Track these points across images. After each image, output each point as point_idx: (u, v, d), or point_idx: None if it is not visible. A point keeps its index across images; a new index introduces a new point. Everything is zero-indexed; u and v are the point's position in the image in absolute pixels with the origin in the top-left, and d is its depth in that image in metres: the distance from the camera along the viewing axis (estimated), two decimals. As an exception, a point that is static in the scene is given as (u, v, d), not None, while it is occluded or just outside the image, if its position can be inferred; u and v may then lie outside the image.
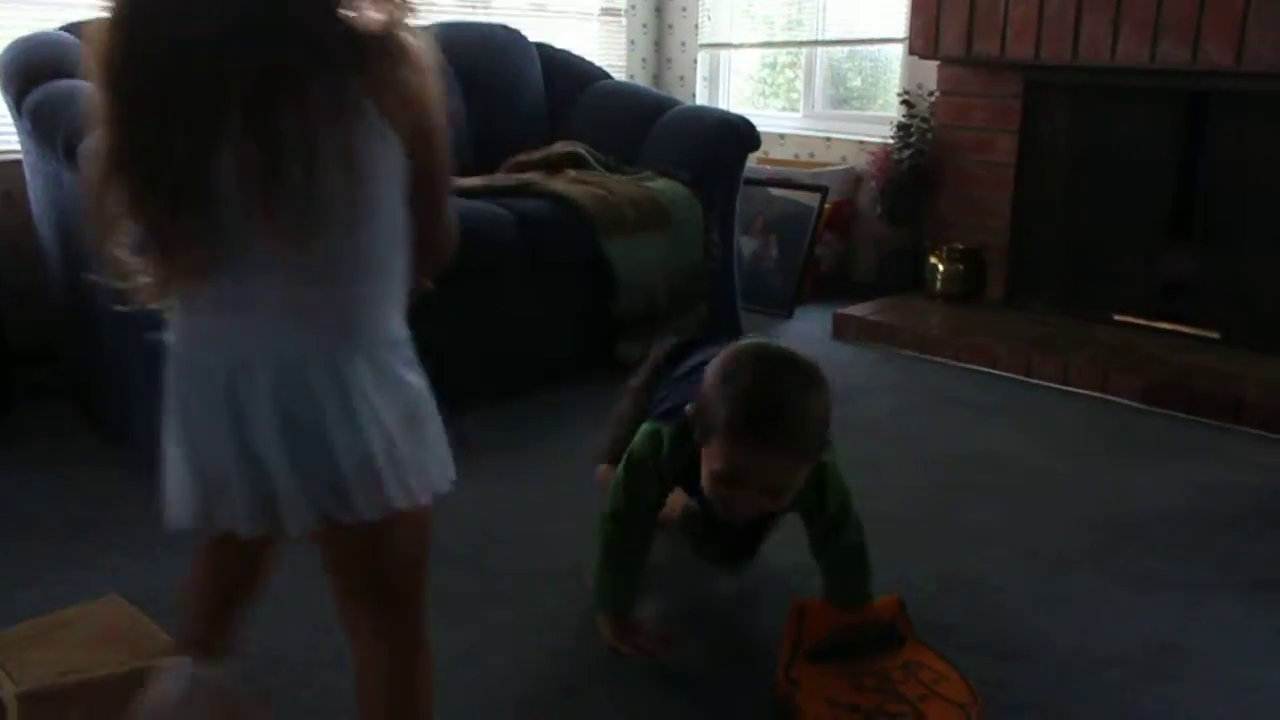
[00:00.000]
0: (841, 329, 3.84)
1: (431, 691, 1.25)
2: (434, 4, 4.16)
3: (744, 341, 1.72)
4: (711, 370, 1.66)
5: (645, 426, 1.82)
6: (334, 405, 1.05)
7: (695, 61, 4.99)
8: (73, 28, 2.93)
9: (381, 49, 1.01)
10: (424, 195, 1.11)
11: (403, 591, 1.21)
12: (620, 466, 1.83)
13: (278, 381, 1.04)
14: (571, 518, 2.31)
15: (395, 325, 1.12)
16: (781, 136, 4.65)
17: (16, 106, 2.67)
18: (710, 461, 1.66)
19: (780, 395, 1.60)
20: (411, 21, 1.06)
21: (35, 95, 2.60)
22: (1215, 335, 3.51)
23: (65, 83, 2.63)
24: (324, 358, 1.05)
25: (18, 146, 2.85)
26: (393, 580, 1.20)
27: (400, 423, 1.09)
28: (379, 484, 1.08)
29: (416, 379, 1.13)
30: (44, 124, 2.52)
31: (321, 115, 0.97)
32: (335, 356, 1.05)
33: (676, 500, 1.93)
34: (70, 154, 2.41)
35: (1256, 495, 2.57)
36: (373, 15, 1.01)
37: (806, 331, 3.91)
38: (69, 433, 2.77)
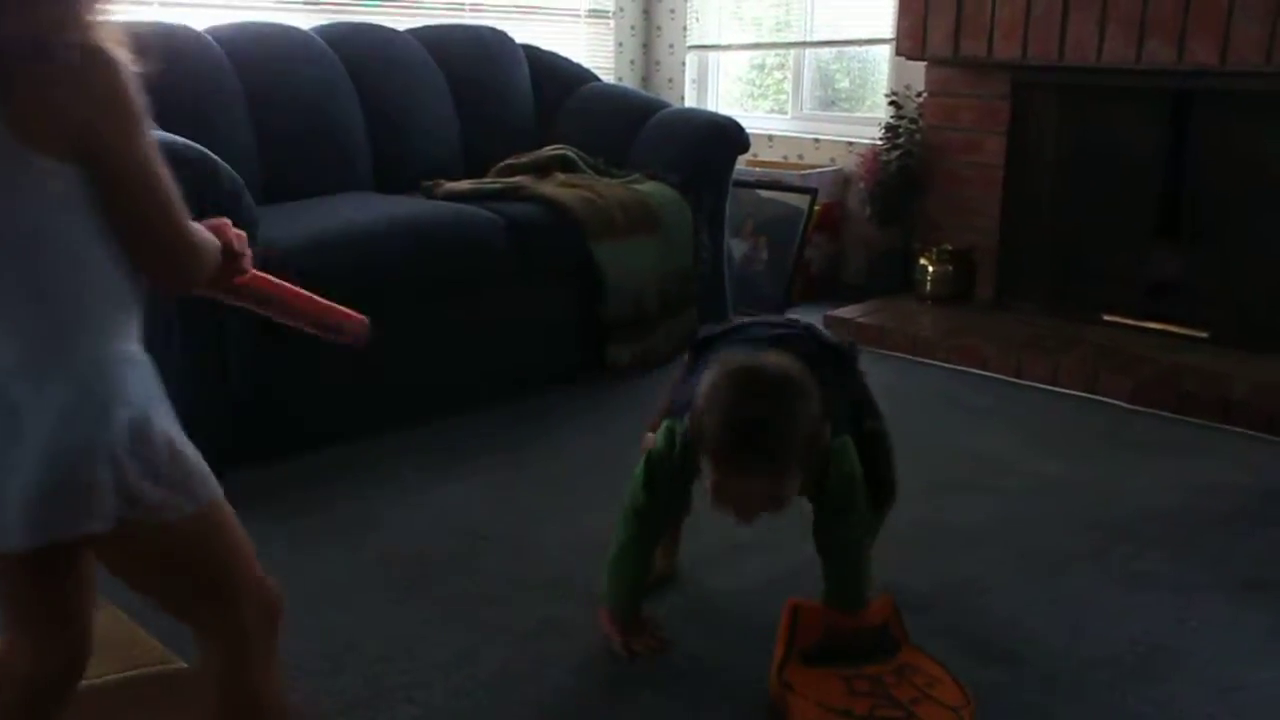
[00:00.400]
0: (832, 331, 3.84)
1: (270, 686, 1.25)
2: (421, 6, 4.16)
3: (730, 356, 1.72)
4: (701, 386, 1.67)
5: (665, 423, 1.81)
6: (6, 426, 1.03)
7: (683, 63, 4.99)
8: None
9: (20, 71, 0.95)
10: (121, 220, 1.04)
11: (197, 593, 1.21)
12: (640, 463, 1.83)
13: None
14: (563, 522, 2.32)
15: (99, 346, 1.07)
16: (770, 138, 4.65)
17: None
18: (706, 473, 1.67)
19: (756, 421, 1.60)
20: (87, 28, 0.98)
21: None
22: (1203, 334, 3.52)
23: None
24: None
25: None
26: (180, 584, 1.20)
27: (121, 439, 1.05)
28: (81, 499, 1.04)
29: (137, 398, 1.08)
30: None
31: None
32: (11, 382, 1.03)
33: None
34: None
35: (1245, 494, 2.58)
36: (9, 32, 0.92)
37: (796, 333, 3.90)
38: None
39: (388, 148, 3.45)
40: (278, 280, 1.42)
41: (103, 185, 1.02)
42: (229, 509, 1.21)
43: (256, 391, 2.54)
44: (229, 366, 2.47)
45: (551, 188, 3.27)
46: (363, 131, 3.41)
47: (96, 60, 0.98)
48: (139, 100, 1.03)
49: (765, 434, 1.60)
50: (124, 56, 1.02)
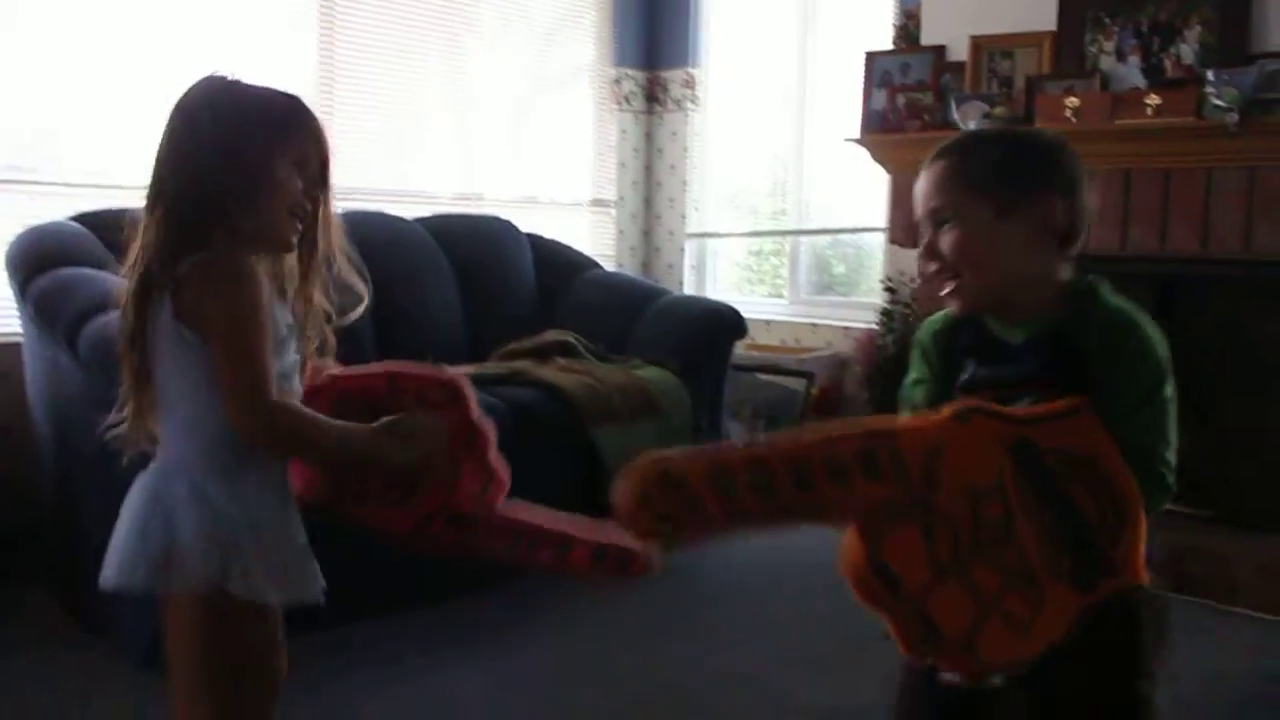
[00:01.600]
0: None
1: None
2: (433, 197, 4.31)
3: None
4: None
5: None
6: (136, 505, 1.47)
7: (683, 250, 5.14)
8: (82, 218, 3.03)
9: (184, 277, 1.41)
10: (219, 380, 1.42)
11: (177, 679, 1.50)
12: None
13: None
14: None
15: (197, 465, 1.45)
16: (768, 323, 4.74)
17: (21, 292, 2.73)
18: None
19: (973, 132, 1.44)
20: (207, 261, 1.42)
21: (40, 282, 2.67)
22: (1208, 514, 3.51)
23: (70, 270, 2.70)
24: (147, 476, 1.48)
25: (18, 329, 2.91)
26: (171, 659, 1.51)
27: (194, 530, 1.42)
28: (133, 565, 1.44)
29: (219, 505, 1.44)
30: (47, 310, 2.58)
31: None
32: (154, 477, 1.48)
33: None
34: (71, 340, 2.46)
35: (1256, 680, 2.54)
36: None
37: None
38: (49, 622, 2.72)
39: (393, 332, 3.52)
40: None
41: (213, 356, 1.42)
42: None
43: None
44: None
45: (552, 373, 3.32)
46: (368, 317, 3.46)
47: (213, 271, 1.42)
48: (243, 288, 1.42)
49: (976, 135, 1.45)
50: (240, 261, 1.44)
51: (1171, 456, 1.33)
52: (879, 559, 1.12)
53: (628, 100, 5.10)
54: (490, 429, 1.65)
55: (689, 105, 5.07)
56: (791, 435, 1.14)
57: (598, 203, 5.02)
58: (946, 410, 1.19)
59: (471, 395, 1.61)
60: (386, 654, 2.54)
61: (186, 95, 1.47)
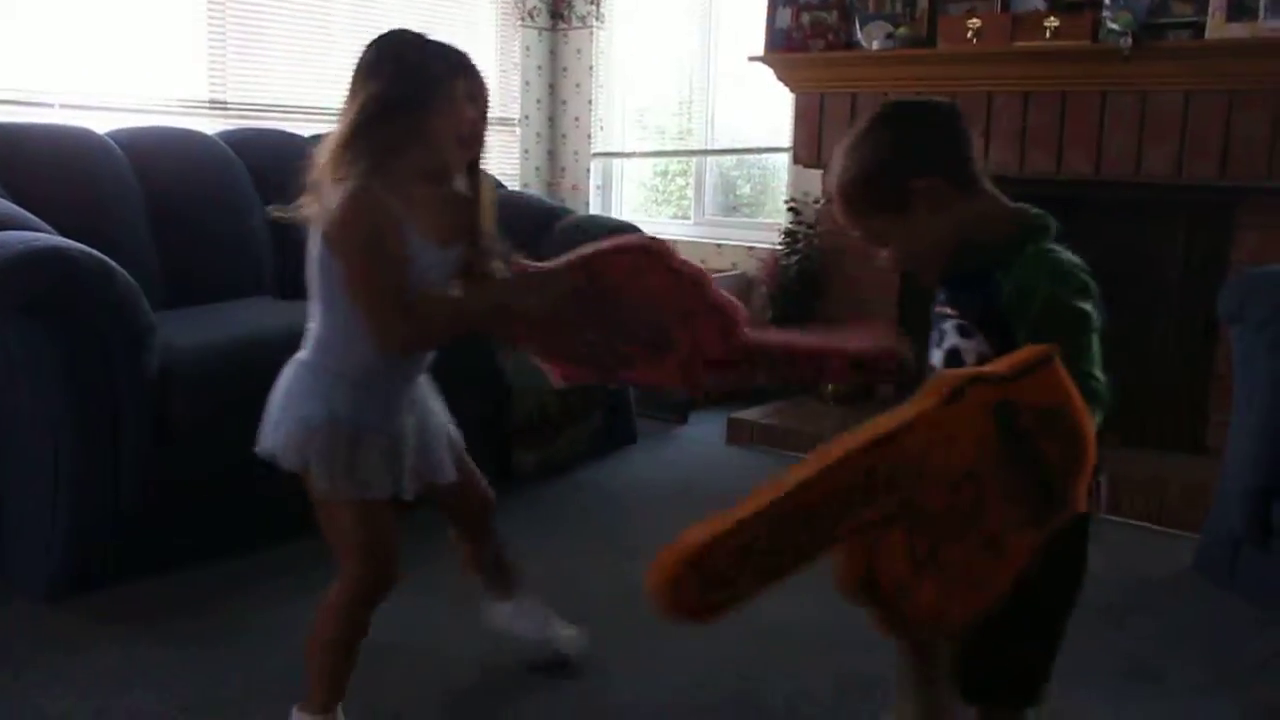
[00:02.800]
0: (735, 434, 3.89)
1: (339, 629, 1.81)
2: (333, 111, 4.18)
3: None
4: None
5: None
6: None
7: (588, 170, 5.09)
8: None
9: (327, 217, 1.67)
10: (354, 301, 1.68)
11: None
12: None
13: None
14: (471, 636, 2.28)
15: (320, 367, 1.75)
16: (674, 243, 4.73)
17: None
18: None
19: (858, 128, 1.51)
20: (343, 194, 1.65)
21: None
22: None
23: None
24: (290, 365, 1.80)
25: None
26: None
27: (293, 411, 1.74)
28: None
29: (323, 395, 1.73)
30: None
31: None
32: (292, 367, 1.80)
33: None
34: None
35: (1123, 584, 2.65)
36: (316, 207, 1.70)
37: (701, 436, 3.94)
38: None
39: (291, 254, 3.42)
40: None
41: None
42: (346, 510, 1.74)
43: (149, 501, 2.47)
44: (121, 474, 2.40)
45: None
46: (265, 237, 3.40)
47: (346, 197, 1.65)
48: (365, 220, 1.64)
49: (853, 136, 1.50)
50: (371, 192, 1.65)
51: (1096, 370, 1.37)
52: (870, 575, 1.15)
53: (531, 16, 4.99)
54: (698, 272, 1.78)
55: (594, 22, 4.99)
56: (798, 478, 1.13)
57: (501, 121, 4.94)
58: (941, 388, 1.20)
59: (667, 249, 1.79)
60: (291, 581, 2.53)
61: (377, 38, 1.73)
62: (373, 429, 1.73)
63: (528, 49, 5.01)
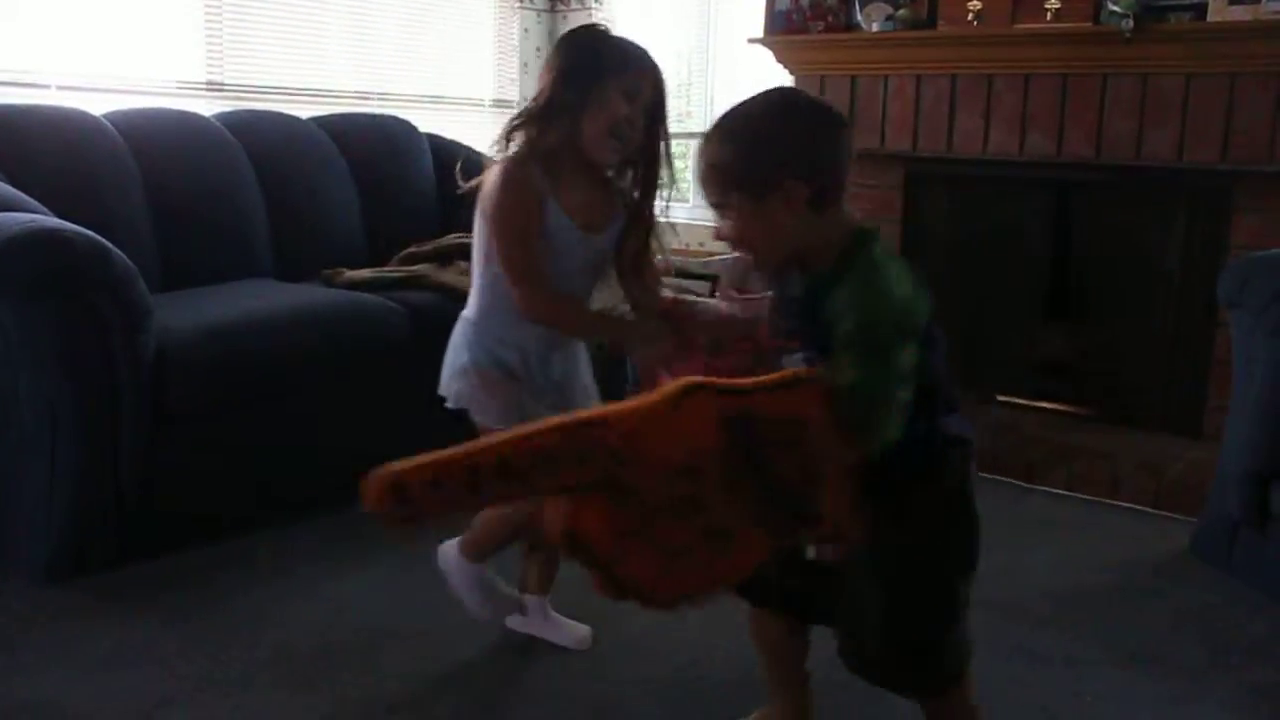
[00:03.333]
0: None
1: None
2: (330, 96, 4.17)
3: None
4: None
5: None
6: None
7: (587, 152, 5.06)
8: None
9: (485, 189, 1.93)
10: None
11: None
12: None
13: None
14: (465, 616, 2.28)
15: (475, 320, 1.98)
16: (672, 226, 4.72)
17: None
18: None
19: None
20: (498, 170, 1.90)
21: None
22: (1090, 412, 3.65)
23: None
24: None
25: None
26: None
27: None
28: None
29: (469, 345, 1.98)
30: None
31: None
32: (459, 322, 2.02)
33: None
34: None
35: (1131, 569, 2.66)
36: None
37: (701, 417, 3.94)
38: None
39: (289, 235, 3.43)
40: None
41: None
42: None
43: (147, 483, 2.47)
44: (119, 457, 2.40)
45: (453, 276, 3.27)
46: (263, 219, 3.39)
47: (500, 173, 1.89)
48: (510, 195, 1.87)
49: (715, 130, 1.52)
50: (520, 169, 1.88)
51: (892, 394, 1.38)
52: (568, 528, 1.25)
53: (530, -3, 4.97)
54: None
55: (592, 3, 4.96)
56: (513, 435, 1.25)
57: (499, 103, 4.92)
58: (670, 390, 1.29)
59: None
60: (287, 564, 2.53)
61: (565, 33, 1.97)
62: (510, 376, 1.93)
63: (526, 31, 4.99)
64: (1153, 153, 3.29)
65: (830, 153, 1.49)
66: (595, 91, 1.83)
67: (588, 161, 1.89)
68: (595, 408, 1.33)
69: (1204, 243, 3.43)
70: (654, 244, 2.04)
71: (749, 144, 1.48)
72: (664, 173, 1.99)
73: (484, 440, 1.26)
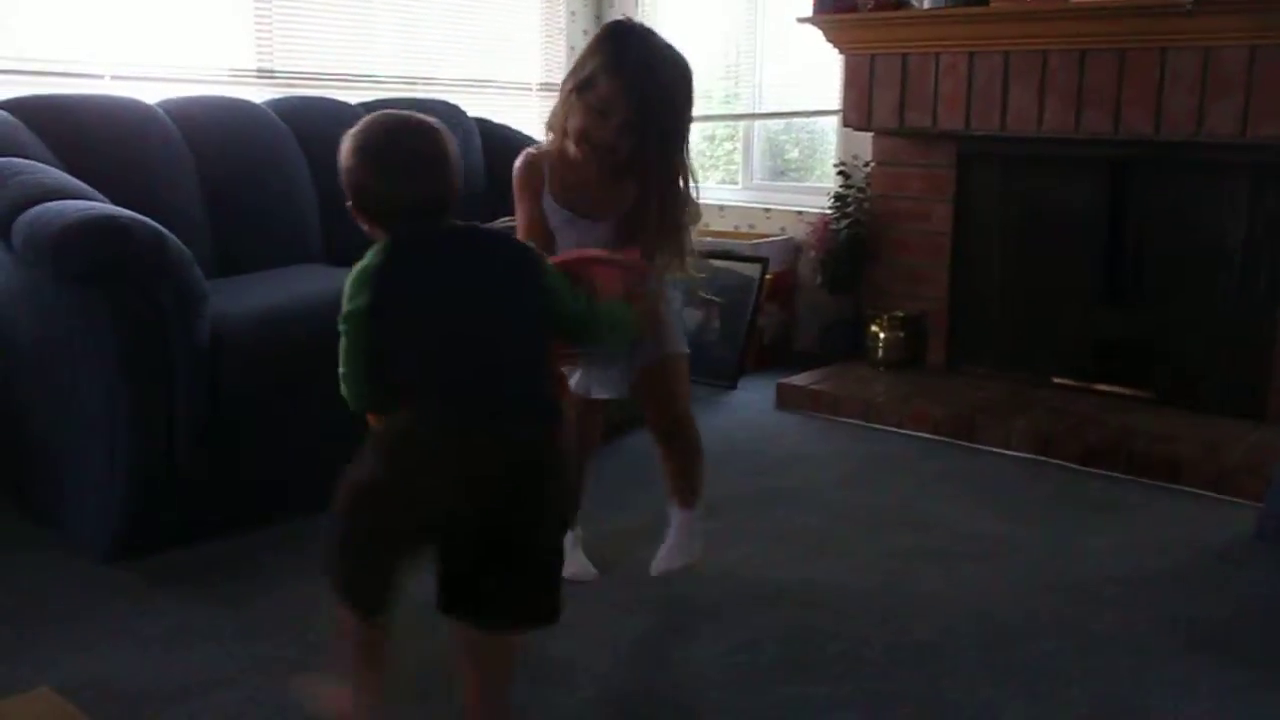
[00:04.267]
0: (785, 399, 3.86)
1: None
2: (378, 81, 4.19)
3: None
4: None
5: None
6: None
7: (635, 136, 5.04)
8: (10, 105, 2.91)
9: None
10: None
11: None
12: None
13: None
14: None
15: None
16: (721, 208, 4.71)
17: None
18: None
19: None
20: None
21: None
22: (1149, 395, 3.58)
23: (0, 161, 2.60)
24: None
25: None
26: None
27: None
28: None
29: None
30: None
31: None
32: None
33: None
34: (5, 233, 2.38)
35: (1195, 553, 2.61)
36: None
37: (751, 402, 3.92)
38: (2, 524, 2.69)
39: (339, 221, 3.41)
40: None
41: None
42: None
43: (202, 467, 2.49)
44: (176, 441, 2.43)
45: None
46: (314, 204, 3.41)
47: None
48: (518, 175, 2.18)
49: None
50: (531, 157, 2.18)
51: (341, 369, 1.69)
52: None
53: (576, -20, 4.95)
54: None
55: (640, -15, 4.94)
56: None
57: (546, 86, 4.91)
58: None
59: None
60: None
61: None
62: None
63: (573, 14, 4.97)
64: (1214, 128, 3.21)
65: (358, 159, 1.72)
66: (572, 97, 2.05)
67: (582, 158, 2.07)
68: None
69: (1268, 221, 3.35)
70: (666, 254, 2.12)
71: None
72: (668, 185, 2.09)
73: None
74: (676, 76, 2.05)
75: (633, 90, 1.98)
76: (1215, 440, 3.19)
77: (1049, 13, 3.42)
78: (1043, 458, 3.28)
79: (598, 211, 2.15)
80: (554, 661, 2.03)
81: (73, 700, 1.83)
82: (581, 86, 2.03)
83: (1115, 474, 3.14)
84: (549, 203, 2.15)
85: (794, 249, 4.47)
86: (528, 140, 4.13)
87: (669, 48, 2.07)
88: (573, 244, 2.09)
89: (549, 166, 2.15)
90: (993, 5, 3.55)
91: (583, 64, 2.05)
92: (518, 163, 2.18)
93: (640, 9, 4.95)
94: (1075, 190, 3.74)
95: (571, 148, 2.07)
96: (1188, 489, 3.01)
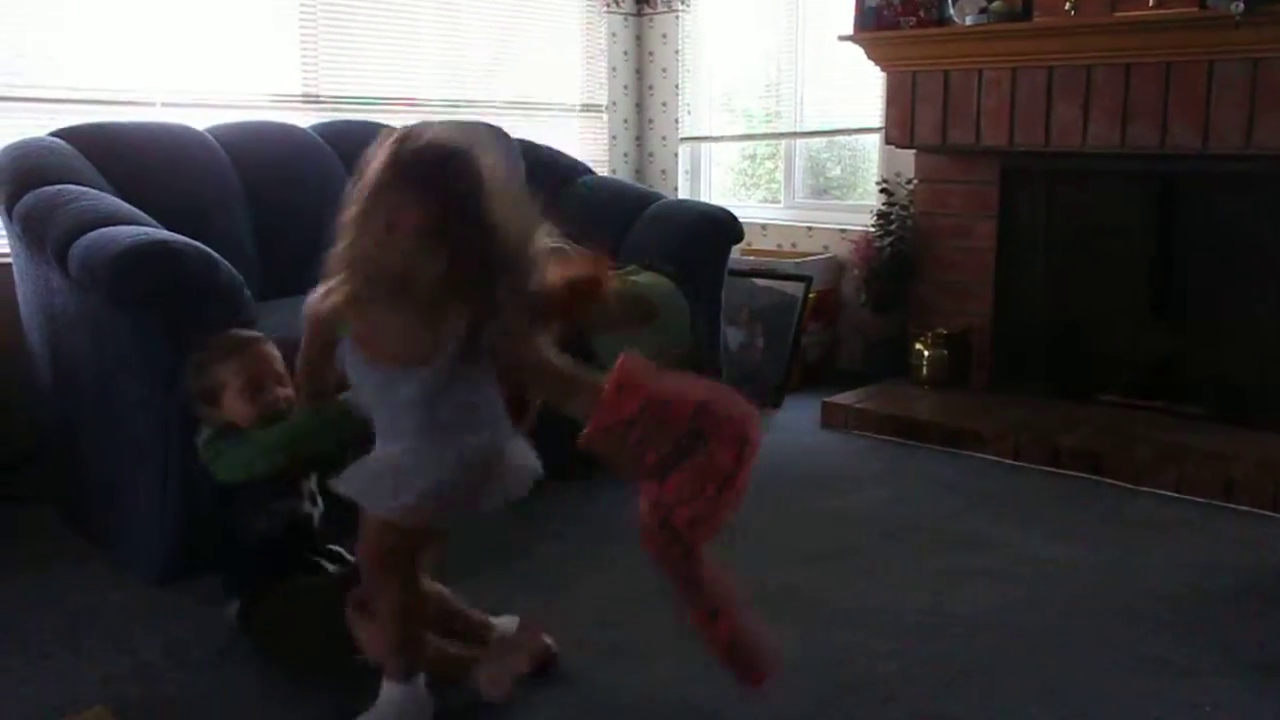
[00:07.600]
0: (830, 417, 3.85)
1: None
2: (422, 104, 4.23)
3: None
4: None
5: None
6: None
7: (676, 155, 5.07)
8: (65, 133, 2.97)
9: None
10: None
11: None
12: None
13: None
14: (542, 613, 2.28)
15: None
16: (764, 227, 4.71)
17: (7, 211, 2.69)
18: None
19: None
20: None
21: (26, 200, 2.63)
22: (1199, 411, 3.53)
23: (56, 188, 2.66)
24: None
25: (6, 250, 2.87)
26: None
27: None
28: None
29: None
30: (35, 228, 2.54)
31: None
32: None
33: None
34: (61, 258, 2.43)
35: (1252, 574, 2.56)
36: None
37: (795, 421, 3.91)
38: (54, 539, 2.74)
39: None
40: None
41: None
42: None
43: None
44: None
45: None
46: (361, 227, 3.44)
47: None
48: None
49: None
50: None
51: None
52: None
53: (617, 2, 4.98)
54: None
55: (679, 6, 4.96)
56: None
57: (589, 107, 4.94)
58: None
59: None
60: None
61: None
62: None
63: (614, 35, 5.00)
64: (1264, 141, 3.17)
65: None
66: None
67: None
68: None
69: (1320, 234, 3.30)
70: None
71: None
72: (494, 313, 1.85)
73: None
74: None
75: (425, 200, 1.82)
76: (1270, 458, 3.14)
77: (1093, 27, 3.40)
78: (1093, 476, 3.24)
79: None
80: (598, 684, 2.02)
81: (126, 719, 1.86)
82: None
83: (1166, 492, 3.10)
84: None
85: (837, 267, 4.46)
86: (570, 162, 4.16)
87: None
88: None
89: None
90: (1036, 20, 3.53)
91: None
92: None
93: (681, 29, 4.97)
94: (1121, 205, 3.70)
95: None
96: (1243, 508, 2.97)
